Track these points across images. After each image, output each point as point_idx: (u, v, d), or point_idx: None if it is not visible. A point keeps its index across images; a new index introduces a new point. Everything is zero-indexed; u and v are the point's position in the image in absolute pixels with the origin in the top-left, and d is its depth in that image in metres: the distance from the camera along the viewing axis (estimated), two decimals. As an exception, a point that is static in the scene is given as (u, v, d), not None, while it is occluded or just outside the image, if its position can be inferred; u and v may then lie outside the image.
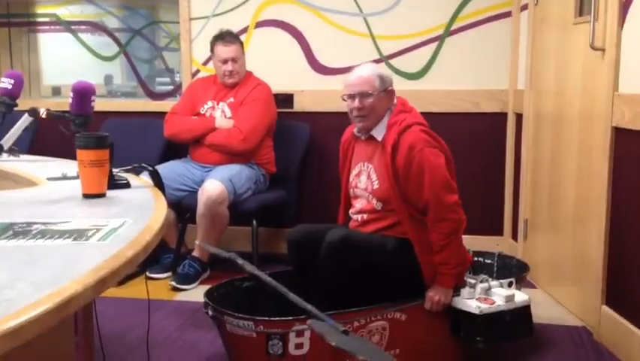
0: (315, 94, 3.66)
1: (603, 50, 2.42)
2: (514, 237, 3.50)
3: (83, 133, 1.66)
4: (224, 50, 3.32)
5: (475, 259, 2.72)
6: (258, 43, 3.69)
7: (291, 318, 2.05)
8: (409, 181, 2.21)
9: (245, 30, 3.69)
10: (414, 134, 2.22)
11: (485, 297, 2.27)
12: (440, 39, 3.55)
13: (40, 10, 4.36)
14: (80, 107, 1.83)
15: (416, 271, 2.25)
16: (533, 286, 3.09)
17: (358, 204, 2.41)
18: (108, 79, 4.36)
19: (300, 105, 3.68)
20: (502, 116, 3.55)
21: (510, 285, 2.35)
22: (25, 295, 0.84)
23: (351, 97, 2.31)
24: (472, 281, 2.29)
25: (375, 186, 2.32)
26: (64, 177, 1.83)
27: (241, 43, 3.41)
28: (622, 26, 2.31)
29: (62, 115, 1.99)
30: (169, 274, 3.27)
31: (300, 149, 3.56)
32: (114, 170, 1.73)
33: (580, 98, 2.70)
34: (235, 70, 3.33)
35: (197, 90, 3.48)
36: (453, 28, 3.53)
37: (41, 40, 4.39)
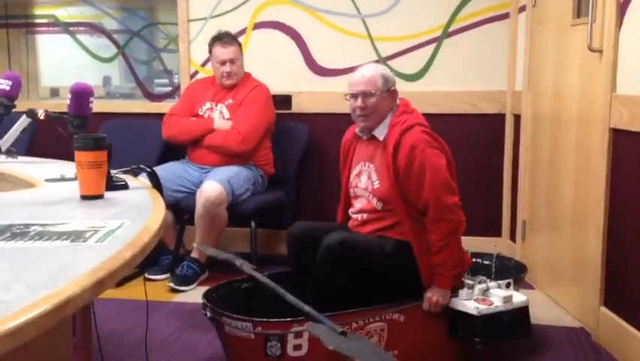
0: (314, 95, 3.66)
1: (601, 51, 2.43)
2: (513, 238, 3.50)
3: (80, 134, 1.66)
4: (223, 52, 3.32)
5: (474, 260, 2.72)
6: (256, 44, 3.70)
7: (289, 319, 2.05)
8: (410, 181, 2.21)
9: (243, 31, 3.70)
10: (415, 135, 2.23)
11: (483, 298, 2.27)
12: (438, 40, 3.55)
13: (38, 12, 4.36)
14: (77, 108, 1.83)
15: (414, 273, 2.25)
16: (532, 287, 3.10)
17: (358, 204, 2.41)
18: (106, 80, 4.36)
19: (298, 106, 3.68)
20: (500, 118, 3.55)
21: (508, 286, 2.35)
22: (22, 296, 0.83)
23: (354, 96, 2.32)
24: (471, 282, 2.29)
25: (376, 186, 2.32)
26: (63, 179, 1.83)
27: (239, 45, 3.41)
28: (620, 28, 2.32)
29: (60, 116, 1.99)
30: (167, 275, 3.27)
31: (298, 150, 3.56)
32: (112, 171, 1.73)
33: (578, 100, 2.70)
34: (233, 71, 3.33)
35: (195, 91, 3.48)
36: (451, 29, 3.54)
37: (39, 42, 4.39)
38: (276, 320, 2.07)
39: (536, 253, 3.18)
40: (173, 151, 3.54)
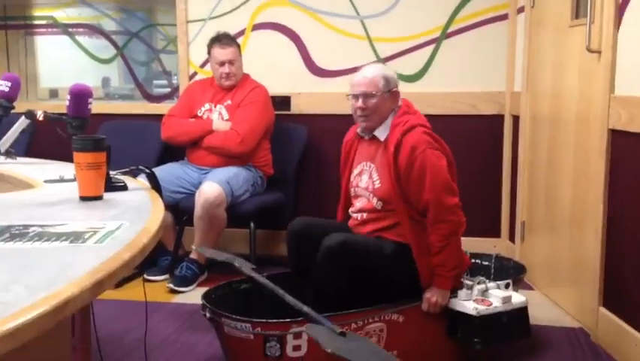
0: (313, 96, 3.66)
1: (599, 52, 2.43)
2: (512, 239, 3.50)
3: (79, 135, 1.66)
4: (221, 53, 3.33)
5: (473, 260, 2.72)
6: (255, 45, 3.70)
7: (288, 320, 2.05)
8: (410, 182, 2.22)
9: (242, 32, 3.70)
10: (417, 136, 2.23)
11: (482, 298, 2.27)
12: (437, 41, 3.56)
13: (37, 13, 4.36)
14: (76, 109, 1.83)
15: (414, 275, 2.25)
16: (531, 288, 3.10)
17: (359, 203, 2.41)
18: (105, 81, 4.36)
19: (297, 108, 3.68)
20: (499, 119, 3.55)
21: (507, 286, 2.35)
22: (21, 297, 0.83)
23: (355, 97, 2.33)
24: (470, 283, 2.29)
25: (377, 186, 2.33)
26: (62, 180, 1.83)
27: (238, 46, 3.41)
28: (618, 28, 2.32)
29: (59, 117, 1.99)
30: (166, 276, 3.27)
31: (297, 151, 3.57)
32: (111, 172, 1.73)
33: (576, 101, 2.70)
34: (232, 72, 3.34)
35: (194, 93, 3.48)
36: (450, 30, 3.54)
37: (38, 43, 4.39)
38: (275, 320, 2.07)
39: (535, 253, 3.18)
40: (172, 152, 3.54)
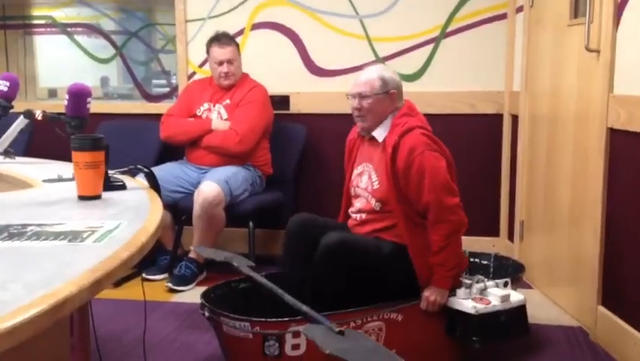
0: (312, 96, 3.66)
1: (598, 51, 2.43)
2: (511, 238, 3.50)
3: (78, 135, 1.66)
4: (220, 52, 3.33)
5: (471, 259, 2.73)
6: (254, 45, 3.70)
7: (287, 319, 2.05)
8: (409, 183, 2.22)
9: (241, 32, 3.70)
10: (415, 137, 2.23)
11: (481, 297, 2.27)
12: (436, 41, 3.56)
13: (36, 13, 4.36)
14: (75, 109, 1.83)
15: (411, 275, 2.26)
16: (529, 287, 3.10)
17: (358, 204, 2.42)
18: (104, 81, 4.36)
19: (296, 107, 3.68)
20: (498, 118, 3.55)
21: (506, 285, 2.36)
22: (19, 296, 0.84)
23: (353, 97, 2.34)
24: (468, 282, 2.29)
25: (375, 187, 2.33)
26: (60, 179, 1.83)
27: (237, 45, 3.41)
28: (617, 28, 2.32)
29: (58, 117, 1.99)
30: (165, 275, 3.27)
31: (296, 150, 3.57)
32: (110, 172, 1.73)
33: (575, 100, 2.70)
34: (231, 72, 3.34)
35: (193, 92, 3.48)
36: (449, 30, 3.54)
37: (37, 43, 4.39)
38: (274, 319, 2.07)
39: (534, 252, 3.18)
40: (171, 152, 3.54)
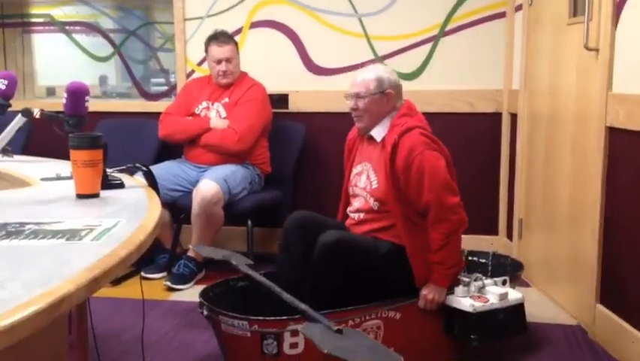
0: (310, 94, 3.66)
1: (597, 50, 2.43)
2: (509, 236, 3.51)
3: (76, 133, 1.66)
4: (218, 51, 3.32)
5: (470, 258, 2.73)
6: (252, 43, 3.69)
7: (285, 318, 2.05)
8: (409, 183, 2.22)
9: (239, 31, 3.69)
10: (414, 137, 2.23)
11: (479, 295, 2.28)
12: (435, 39, 3.55)
13: (34, 11, 4.35)
14: (73, 107, 1.82)
15: (408, 276, 2.26)
16: (528, 285, 3.10)
17: (356, 203, 2.42)
18: (103, 80, 4.35)
19: (294, 106, 3.68)
20: (496, 117, 3.55)
21: (504, 283, 2.36)
22: (17, 295, 0.83)
23: (350, 97, 2.36)
24: (466, 280, 2.30)
25: (374, 186, 2.33)
26: (58, 178, 1.83)
27: (235, 44, 3.41)
28: (616, 26, 2.32)
29: (56, 115, 1.99)
30: (164, 274, 3.27)
31: (295, 149, 3.56)
32: (108, 170, 1.73)
33: (574, 98, 2.70)
34: (229, 70, 3.33)
35: (191, 91, 3.47)
36: (448, 28, 3.54)
37: (36, 41, 4.38)
38: (272, 318, 2.07)
39: (533, 251, 3.19)
40: (169, 150, 3.54)
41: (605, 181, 2.41)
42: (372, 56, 3.59)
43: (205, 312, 2.16)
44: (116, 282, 3.01)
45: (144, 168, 1.85)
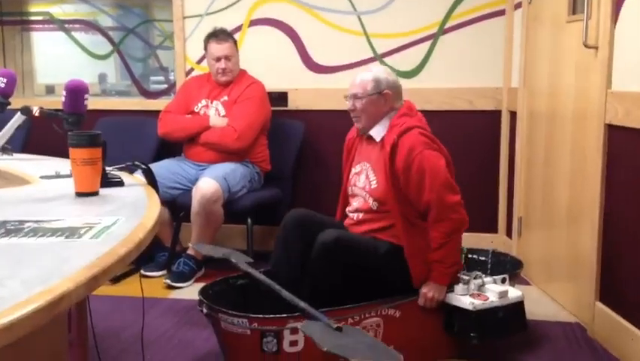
0: (310, 92, 3.66)
1: (596, 47, 2.43)
2: (509, 234, 3.51)
3: (75, 131, 1.66)
4: (218, 48, 3.32)
5: (470, 256, 2.73)
6: (251, 41, 3.69)
7: (285, 315, 2.06)
8: (410, 183, 2.22)
9: (239, 28, 3.69)
10: (413, 137, 2.24)
11: (479, 293, 2.28)
12: (434, 37, 3.55)
13: (33, 9, 4.34)
14: (72, 105, 1.82)
15: (406, 276, 2.26)
16: (527, 283, 3.11)
17: (355, 203, 2.42)
18: (102, 78, 4.35)
19: (294, 103, 3.68)
20: (496, 114, 3.55)
21: (504, 281, 2.36)
22: (16, 293, 0.83)
23: (348, 98, 2.37)
24: (466, 278, 2.30)
25: (373, 186, 2.33)
26: (57, 176, 1.83)
27: (235, 42, 3.40)
28: (615, 24, 2.32)
29: (55, 113, 1.99)
30: (164, 272, 3.27)
31: (294, 147, 3.56)
32: (107, 168, 1.72)
33: (573, 96, 2.70)
34: (228, 68, 3.33)
35: (191, 89, 3.47)
36: (447, 26, 3.54)
37: (35, 39, 4.38)
38: (271, 316, 2.07)
39: (532, 249, 3.19)
40: (168, 148, 3.54)
41: (604, 178, 2.41)
42: (371, 54, 3.59)
43: (205, 310, 2.16)
44: (116, 280, 3.01)
45: (143, 166, 1.85)
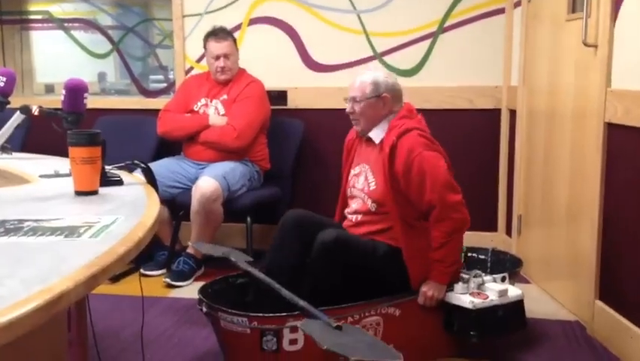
0: (309, 91, 3.66)
1: (596, 46, 2.43)
2: (508, 232, 3.51)
3: (75, 130, 1.66)
4: (216, 47, 3.32)
5: (469, 254, 2.73)
6: (251, 40, 3.69)
7: (284, 314, 2.06)
8: (410, 185, 2.22)
9: (238, 27, 3.69)
10: (412, 138, 2.24)
11: (479, 292, 2.28)
12: (434, 36, 3.55)
13: (32, 8, 4.34)
14: (72, 104, 1.82)
15: (404, 279, 2.26)
16: (527, 282, 3.11)
17: (354, 205, 2.42)
18: (101, 76, 4.34)
19: (293, 102, 3.68)
20: (495, 113, 3.55)
21: (503, 280, 2.36)
22: (15, 292, 0.83)
23: (348, 100, 2.38)
24: (466, 276, 2.30)
25: (372, 188, 2.33)
26: (57, 175, 1.82)
27: (234, 40, 3.40)
28: (614, 22, 2.32)
29: (54, 112, 1.99)
30: (163, 271, 3.27)
31: (293, 146, 3.56)
32: (107, 167, 1.72)
33: (573, 94, 2.70)
34: (227, 66, 3.33)
35: (190, 87, 3.47)
36: (447, 24, 3.54)
37: (34, 38, 4.38)
38: (271, 314, 2.07)
39: (532, 247, 3.19)
40: (168, 147, 3.53)
41: (603, 177, 2.41)
42: (370, 53, 3.59)
43: (204, 309, 2.16)
44: (115, 279, 3.01)
45: (143, 165, 1.85)
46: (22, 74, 4.30)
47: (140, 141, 3.57)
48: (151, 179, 1.79)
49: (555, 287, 2.93)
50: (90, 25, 4.23)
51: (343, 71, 3.60)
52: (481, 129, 3.57)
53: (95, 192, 1.59)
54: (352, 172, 2.46)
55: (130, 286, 2.93)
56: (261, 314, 2.08)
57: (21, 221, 1.25)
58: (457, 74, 3.55)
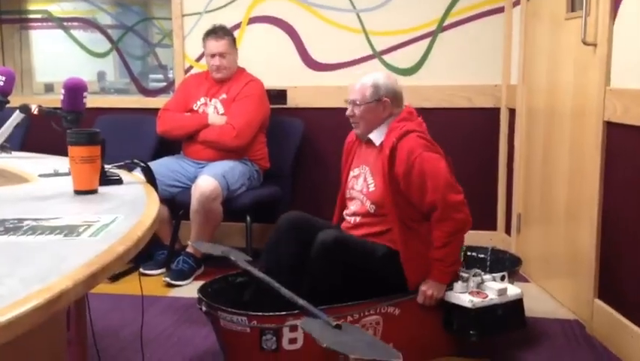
0: (309, 90, 3.66)
1: (595, 45, 2.43)
2: (508, 231, 3.51)
3: (74, 129, 1.66)
4: (214, 45, 3.32)
5: (469, 253, 2.74)
6: (251, 39, 3.69)
7: (284, 313, 2.06)
8: (411, 186, 2.22)
9: (238, 26, 3.69)
10: (412, 140, 2.24)
11: (478, 291, 2.28)
12: (433, 35, 3.55)
13: (32, 7, 4.34)
14: (71, 103, 1.82)
15: (403, 280, 2.26)
16: (526, 280, 3.11)
17: (353, 206, 2.42)
18: (101, 76, 4.34)
19: (293, 101, 3.68)
20: (495, 112, 3.55)
21: (503, 279, 2.36)
22: (15, 291, 0.83)
23: (348, 103, 2.38)
24: (465, 275, 2.30)
25: (371, 189, 2.33)
26: (56, 174, 1.82)
27: (233, 39, 3.40)
28: (613, 21, 2.32)
29: (54, 112, 1.98)
30: (163, 270, 3.27)
31: (293, 145, 3.56)
32: (106, 166, 1.72)
33: (572, 93, 2.70)
34: (223, 65, 3.33)
35: (189, 86, 3.47)
36: (446, 23, 3.54)
37: (33, 37, 4.38)
38: (271, 313, 2.07)
39: (531, 246, 3.19)
40: (167, 146, 3.53)
41: (602, 175, 2.41)
42: (370, 52, 3.59)
43: (204, 308, 2.16)
44: (115, 278, 3.01)
45: (142, 164, 1.85)
46: (21, 73, 4.30)
47: (140, 140, 3.57)
48: (150, 178, 1.79)
49: (554, 286, 2.93)
50: (89, 24, 4.22)
51: (343, 70, 3.60)
52: (480, 128, 3.57)
53: (94, 191, 1.59)
54: (351, 174, 2.46)
55: (129, 286, 2.93)
56: (260, 313, 2.08)
57: (20, 220, 1.25)
58: (456, 72, 3.55)
